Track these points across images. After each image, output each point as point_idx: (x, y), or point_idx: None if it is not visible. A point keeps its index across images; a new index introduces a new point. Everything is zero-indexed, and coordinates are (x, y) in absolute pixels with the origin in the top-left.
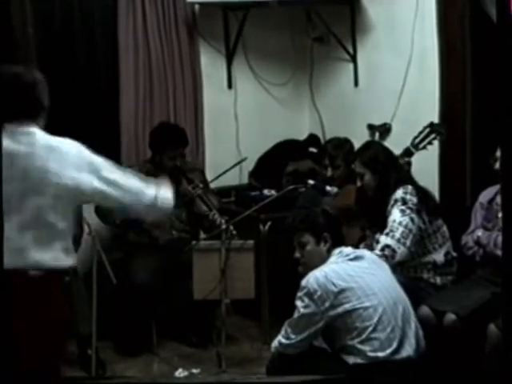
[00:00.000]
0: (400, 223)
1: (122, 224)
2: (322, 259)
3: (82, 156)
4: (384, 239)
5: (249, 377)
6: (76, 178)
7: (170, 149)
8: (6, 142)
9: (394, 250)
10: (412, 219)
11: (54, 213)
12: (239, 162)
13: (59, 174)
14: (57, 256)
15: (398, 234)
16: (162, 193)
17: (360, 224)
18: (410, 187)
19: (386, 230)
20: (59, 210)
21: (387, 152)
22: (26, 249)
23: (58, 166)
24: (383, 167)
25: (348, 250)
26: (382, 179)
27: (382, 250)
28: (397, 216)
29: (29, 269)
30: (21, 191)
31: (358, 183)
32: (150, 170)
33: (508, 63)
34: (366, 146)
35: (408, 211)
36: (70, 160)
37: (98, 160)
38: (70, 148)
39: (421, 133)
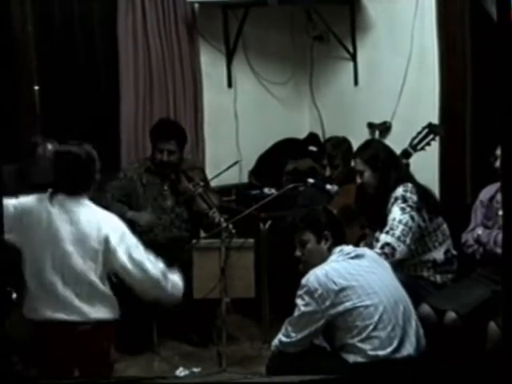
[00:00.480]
0: (400, 221)
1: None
2: (323, 258)
3: (122, 231)
4: (384, 237)
5: (248, 376)
6: (113, 245)
7: (159, 141)
8: (56, 208)
9: (393, 248)
10: (412, 217)
11: (95, 273)
12: (233, 164)
13: (100, 241)
14: (100, 310)
15: (397, 232)
16: (174, 282)
17: (360, 223)
18: (410, 185)
19: (386, 228)
20: (98, 272)
21: (388, 150)
22: (71, 302)
23: (98, 233)
24: (384, 165)
25: (349, 248)
26: (382, 177)
27: (382, 248)
28: (397, 214)
29: (78, 322)
30: (65, 252)
31: (358, 180)
32: (149, 167)
33: (508, 61)
34: (367, 143)
35: (408, 209)
36: (110, 230)
37: (133, 239)
38: (112, 220)
39: (419, 133)
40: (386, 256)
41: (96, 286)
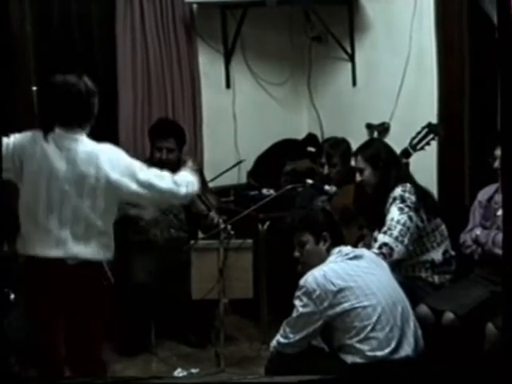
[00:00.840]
0: (398, 221)
1: (120, 221)
2: (321, 258)
3: (121, 161)
4: (382, 237)
5: (247, 377)
6: (115, 181)
7: (158, 139)
8: (51, 146)
9: (391, 248)
10: (410, 217)
11: (93, 212)
12: (237, 164)
13: (98, 178)
14: (95, 250)
15: (395, 232)
16: (188, 182)
17: (358, 223)
18: (408, 185)
19: (384, 228)
20: (98, 210)
21: (389, 150)
22: (65, 242)
23: (97, 171)
24: (384, 164)
25: (347, 249)
26: (382, 176)
27: (380, 248)
28: (395, 214)
29: (68, 259)
30: (62, 191)
31: (358, 178)
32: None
33: (508, 61)
34: (369, 142)
35: (406, 209)
36: (109, 164)
37: (134, 163)
38: (110, 153)
39: (418, 133)
40: (384, 256)
41: (93, 225)
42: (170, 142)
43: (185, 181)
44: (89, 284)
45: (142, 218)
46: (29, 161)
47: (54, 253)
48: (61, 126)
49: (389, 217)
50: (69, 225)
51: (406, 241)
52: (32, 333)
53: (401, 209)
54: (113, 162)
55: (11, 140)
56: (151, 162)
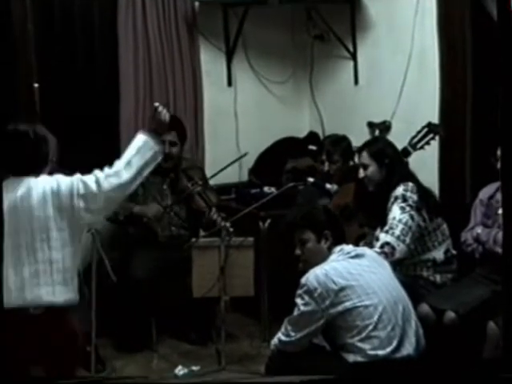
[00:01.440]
0: (400, 220)
1: (125, 219)
2: (323, 257)
3: (62, 186)
4: (384, 236)
5: (246, 375)
6: (65, 208)
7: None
8: (5, 193)
9: (393, 248)
10: (412, 216)
11: (48, 247)
12: (240, 157)
13: (41, 212)
14: (54, 290)
15: (397, 232)
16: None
17: (358, 221)
18: (410, 184)
19: (386, 228)
20: (54, 244)
21: (394, 148)
22: (23, 286)
23: (40, 205)
24: (390, 161)
25: (349, 247)
26: (386, 173)
27: (382, 247)
28: (397, 213)
29: (29, 307)
30: (14, 231)
31: (361, 174)
32: None
33: (509, 61)
34: (375, 139)
35: (408, 208)
36: (52, 195)
37: (73, 183)
38: (50, 184)
39: (419, 133)
40: (386, 255)
41: (52, 262)
42: (172, 135)
43: (125, 161)
44: (49, 328)
45: (145, 215)
46: None
47: (13, 300)
48: (14, 175)
49: (390, 216)
50: (26, 265)
51: (407, 240)
52: None
53: (402, 208)
54: (54, 191)
55: None
56: None
